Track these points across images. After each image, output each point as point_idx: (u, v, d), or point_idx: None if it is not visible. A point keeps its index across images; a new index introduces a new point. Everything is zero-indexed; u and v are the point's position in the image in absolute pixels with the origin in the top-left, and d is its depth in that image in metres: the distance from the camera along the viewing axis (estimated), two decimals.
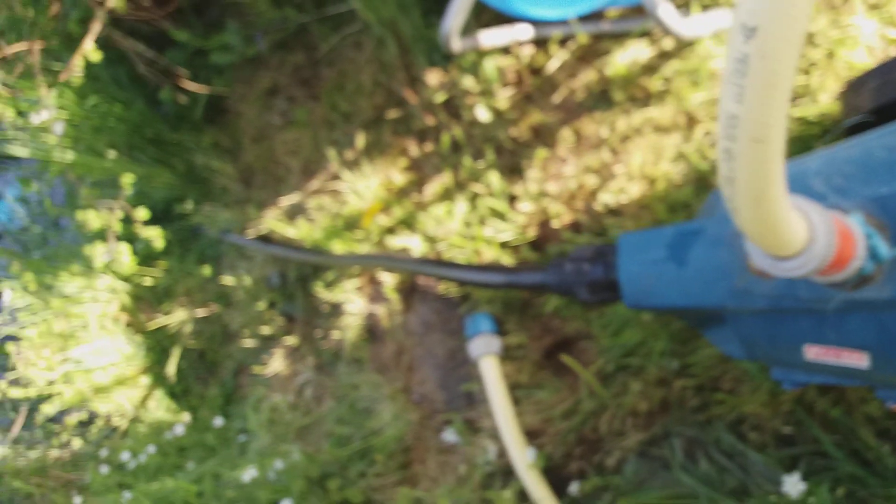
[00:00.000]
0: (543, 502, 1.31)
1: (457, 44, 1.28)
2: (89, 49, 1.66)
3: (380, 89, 1.77)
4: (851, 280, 0.67)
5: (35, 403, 3.23)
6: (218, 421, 2.37)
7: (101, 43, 2.16)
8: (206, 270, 2.43)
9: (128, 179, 1.97)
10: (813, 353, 0.81)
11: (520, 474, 1.35)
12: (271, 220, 2.07)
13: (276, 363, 2.12)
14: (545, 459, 1.37)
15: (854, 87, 0.94)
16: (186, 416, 2.61)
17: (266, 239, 2.14)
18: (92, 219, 1.96)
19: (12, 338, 2.85)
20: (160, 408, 2.77)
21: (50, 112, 2.10)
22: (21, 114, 2.24)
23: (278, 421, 2.06)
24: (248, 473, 1.63)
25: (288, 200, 2.05)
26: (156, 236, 1.98)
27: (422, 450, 1.64)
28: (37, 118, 2.14)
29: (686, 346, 1.25)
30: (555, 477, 1.38)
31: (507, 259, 1.48)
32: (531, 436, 1.42)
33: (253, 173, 2.26)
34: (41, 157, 2.33)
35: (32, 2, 2.14)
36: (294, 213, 2.04)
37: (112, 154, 2.27)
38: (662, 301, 0.92)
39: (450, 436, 1.56)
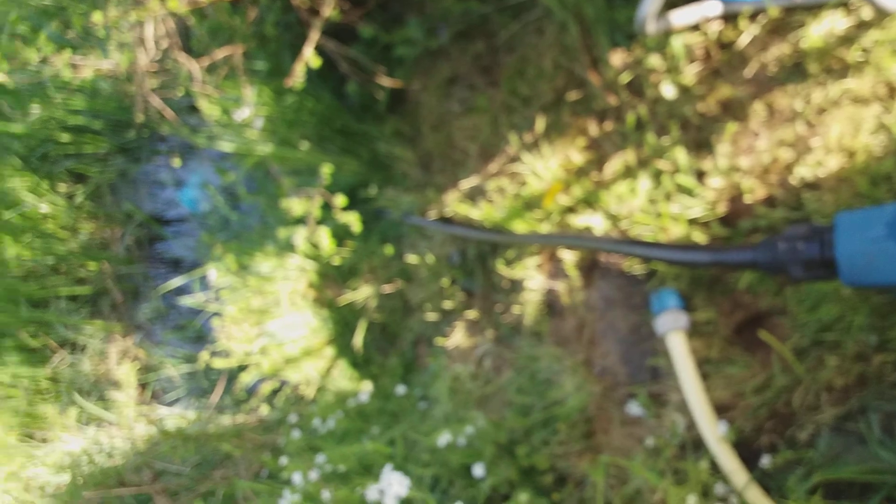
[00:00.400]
0: (735, 474, 1.33)
1: (652, 27, 1.31)
2: (309, 56, 1.85)
3: (560, 72, 1.83)
4: None
5: (231, 373, 3.64)
6: (400, 389, 2.56)
7: (299, 44, 2.39)
8: (389, 250, 2.62)
9: (327, 169, 2.17)
10: None
11: (710, 447, 1.38)
12: (452, 203, 2.20)
13: (457, 335, 2.26)
14: (736, 433, 1.39)
15: None
16: (368, 385, 2.84)
17: (446, 220, 2.28)
18: (295, 206, 2.18)
19: (217, 314, 3.22)
20: (343, 377, 3.03)
21: (250, 109, 2.37)
22: (225, 112, 2.54)
23: (459, 389, 2.20)
24: (444, 438, 1.77)
25: (467, 183, 2.17)
26: (353, 220, 2.18)
27: (604, 421, 1.70)
28: (238, 115, 2.42)
29: (886, 320, 1.22)
30: (745, 450, 1.39)
31: (697, 235, 1.50)
32: (720, 410, 1.44)
33: (432, 159, 2.41)
34: (243, 151, 2.61)
35: (232, 9, 2.41)
36: (473, 195, 2.15)
37: (305, 145, 2.51)
38: (883, 278, 0.92)
39: (634, 408, 1.60)
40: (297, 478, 1.96)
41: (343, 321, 2.97)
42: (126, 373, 4.75)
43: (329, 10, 1.80)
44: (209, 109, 2.51)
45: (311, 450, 2.61)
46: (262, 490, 2.14)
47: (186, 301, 3.41)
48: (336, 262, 2.76)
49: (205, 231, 4.34)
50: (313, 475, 2.04)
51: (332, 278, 2.95)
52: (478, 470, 1.65)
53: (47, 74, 2.20)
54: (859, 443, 1.26)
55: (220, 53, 2.30)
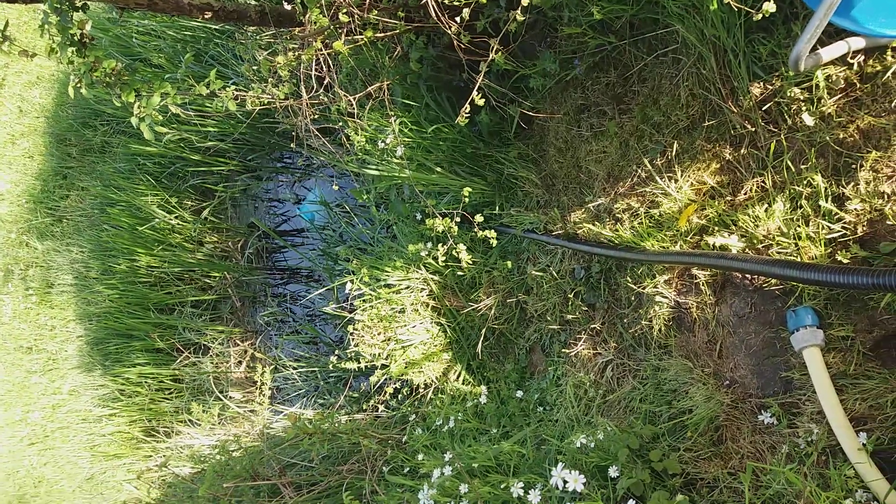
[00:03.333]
0: (875, 483, 1.40)
1: (803, 64, 1.42)
2: (476, 97, 2.03)
3: (695, 101, 1.95)
4: None
5: (350, 374, 3.88)
6: (518, 393, 2.71)
7: (433, 80, 2.60)
8: (509, 264, 2.78)
9: (466, 192, 2.37)
10: None
11: (850, 456, 1.46)
12: (577, 221, 2.34)
13: (579, 345, 2.39)
14: (874, 443, 1.46)
15: None
16: (483, 389, 3.00)
17: (569, 237, 2.42)
18: (437, 223, 2.39)
19: (350, 320, 3.45)
20: (459, 381, 3.20)
21: (393, 137, 2.58)
22: (370, 140, 2.78)
23: (582, 396, 2.33)
24: (580, 441, 1.90)
25: (593, 203, 2.31)
26: (491, 236, 2.35)
27: (734, 429, 1.79)
28: (381, 143, 2.65)
29: None
30: (884, 460, 1.46)
31: (838, 256, 1.58)
32: (857, 422, 1.51)
33: (555, 180, 2.56)
34: (386, 174, 2.85)
35: (380, 48, 2.64)
36: (599, 214, 2.29)
37: (438, 169, 2.72)
38: None
39: (767, 418, 1.69)
40: (435, 473, 2.12)
41: (461, 329, 3.15)
42: (256, 372, 5.08)
43: (495, 55, 1.98)
44: (357, 138, 2.76)
45: (434, 447, 2.79)
46: (404, 483, 2.32)
47: (326, 308, 3.68)
48: (461, 274, 2.95)
49: (324, 244, 4.64)
50: (448, 471, 2.20)
51: (451, 289, 3.14)
52: (613, 471, 1.77)
53: (216, 107, 2.49)
54: None
55: (370, 88, 2.54)
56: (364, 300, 3.16)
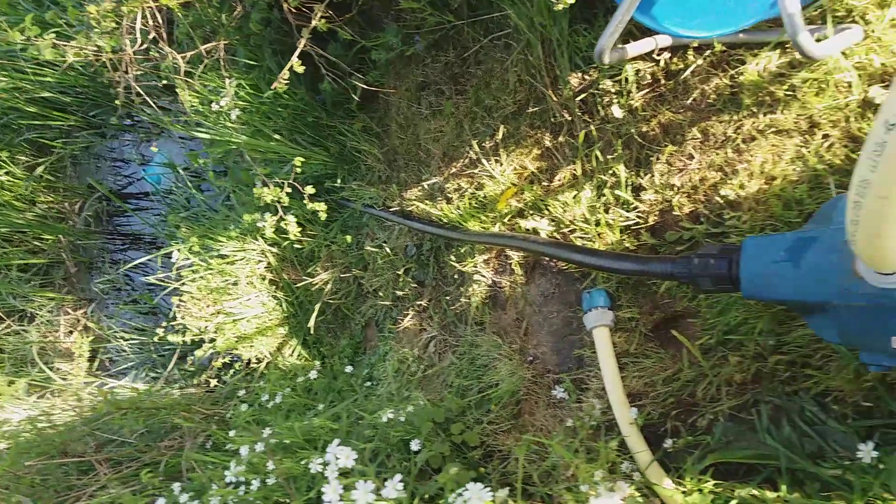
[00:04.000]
0: (640, 454, 1.50)
1: (608, 58, 1.48)
2: (295, 63, 1.97)
3: (522, 87, 2.00)
4: None
5: (184, 348, 3.71)
6: (348, 368, 2.69)
7: (281, 40, 2.51)
8: (348, 238, 2.75)
9: (298, 161, 2.30)
10: None
11: (622, 429, 1.55)
12: (413, 198, 2.35)
13: (407, 321, 2.41)
14: (644, 418, 1.56)
15: None
16: (317, 364, 2.96)
17: (405, 214, 2.43)
18: (266, 193, 2.31)
19: (176, 292, 3.29)
20: (294, 356, 3.14)
21: (228, 100, 2.47)
22: (203, 101, 2.64)
23: (404, 371, 2.35)
24: (386, 415, 1.90)
25: (429, 181, 2.32)
26: (321, 209, 2.30)
27: (532, 403, 1.86)
28: (216, 106, 2.52)
29: (783, 326, 1.41)
30: (652, 434, 1.57)
31: (628, 242, 1.68)
32: (634, 397, 1.62)
33: (396, 156, 2.56)
34: (218, 139, 2.72)
35: (219, 5, 2.51)
36: (433, 193, 2.31)
37: (277, 137, 2.63)
38: (777, 294, 1.11)
39: (560, 392, 1.77)
40: (243, 450, 2.06)
41: (297, 303, 3.08)
42: (75, 343, 4.74)
43: (317, 21, 1.93)
44: (188, 98, 2.61)
45: (258, 423, 2.71)
46: (209, 460, 2.23)
47: (148, 278, 3.48)
48: (298, 247, 2.88)
49: (169, 210, 4.38)
50: (259, 447, 2.14)
51: (290, 262, 3.07)
52: (414, 445, 1.79)
53: (30, 55, 2.27)
54: (750, 431, 1.45)
55: (204, 47, 2.41)
56: (193, 270, 3.02)
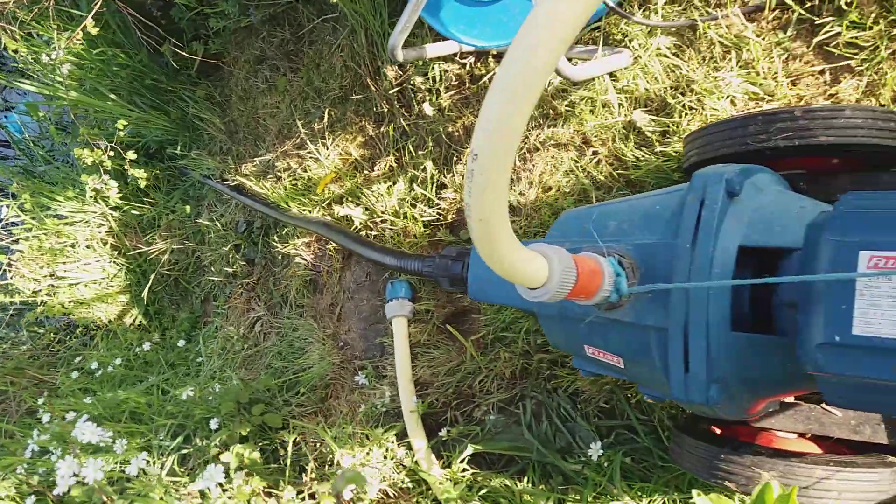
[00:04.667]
0: (416, 440, 1.58)
1: (401, 55, 1.50)
2: (90, 23, 1.88)
3: (348, 73, 2.00)
4: (602, 304, 0.92)
5: (21, 310, 3.53)
6: (181, 342, 2.65)
7: None
8: (188, 209, 2.69)
9: (121, 124, 2.22)
10: (590, 351, 1.07)
11: (404, 416, 1.63)
12: (247, 173, 2.32)
13: (236, 299, 2.40)
14: (427, 406, 1.64)
15: (691, 139, 1.18)
16: (156, 336, 2.90)
17: (238, 189, 2.39)
18: (86, 155, 2.21)
19: (6, 249, 3.11)
20: (135, 325, 3.06)
21: (59, 53, 2.33)
22: (33, 52, 2.48)
23: (229, 349, 2.34)
24: (186, 393, 1.91)
25: (262, 157, 2.30)
26: (142, 177, 2.23)
27: (338, 388, 1.91)
28: (46, 58, 2.38)
29: None
30: (433, 421, 1.65)
31: (430, 237, 1.73)
32: (422, 386, 1.69)
33: (237, 128, 2.51)
34: (47, 93, 2.57)
35: None
36: (265, 170, 2.29)
37: (112, 97, 2.52)
38: (494, 298, 1.19)
39: (361, 379, 1.83)
40: (46, 418, 2.01)
41: (140, 271, 3.00)
42: None
43: None
44: (14, 47, 2.44)
45: (84, 392, 2.65)
46: (13, 430, 2.17)
47: None
48: (135, 212, 2.79)
49: (26, 160, 4.11)
50: (70, 416, 2.10)
51: (132, 228, 2.97)
52: (213, 424, 1.81)
53: None
54: (515, 424, 1.55)
55: None
56: (26, 229, 2.87)
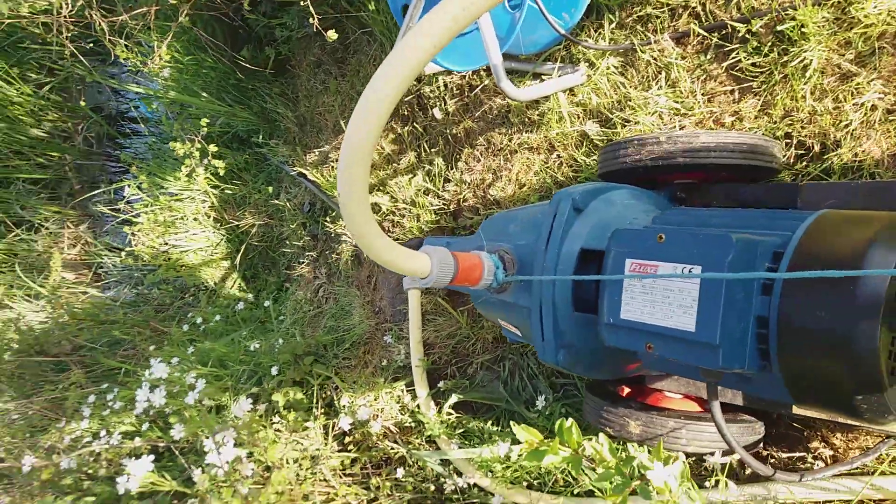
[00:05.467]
0: (420, 389, 1.96)
1: None
2: (184, 20, 2.33)
3: None
4: (490, 288, 1.24)
5: (144, 273, 4.22)
6: (267, 303, 3.17)
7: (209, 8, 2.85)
8: (270, 189, 3.17)
9: (204, 122, 2.70)
10: (503, 323, 1.39)
11: (413, 369, 2.00)
12: (310, 162, 2.74)
13: (303, 268, 2.85)
14: (430, 363, 2.01)
15: (600, 153, 1.44)
16: (251, 296, 3.44)
17: (303, 175, 2.82)
18: (178, 147, 2.71)
19: (129, 222, 3.75)
20: (234, 287, 3.63)
21: (159, 60, 2.84)
22: (140, 59, 3.01)
23: (298, 310, 2.81)
24: (254, 345, 2.38)
25: (320, 149, 2.71)
26: (221, 166, 2.71)
27: (373, 345, 2.32)
28: (150, 64, 2.90)
29: None
30: (436, 375, 2.02)
31: (433, 223, 2.08)
32: (428, 346, 2.06)
33: (305, 121, 2.93)
34: (150, 94, 3.11)
35: None
36: (323, 159, 2.70)
37: (204, 94, 3.01)
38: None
39: (389, 339, 2.22)
40: (153, 362, 2.57)
41: (238, 241, 3.54)
42: (78, 256, 5.24)
43: None
44: (124, 55, 2.98)
45: (190, 342, 3.24)
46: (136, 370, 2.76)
47: (101, 208, 3.93)
48: (230, 192, 3.31)
49: (154, 139, 4.80)
50: (174, 361, 2.65)
51: (230, 205, 3.50)
52: (274, 370, 2.27)
53: None
54: (497, 379, 1.89)
55: (139, 10, 2.77)
56: (144, 204, 3.47)
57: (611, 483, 0.95)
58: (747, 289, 0.90)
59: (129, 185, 3.46)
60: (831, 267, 0.84)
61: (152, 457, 1.60)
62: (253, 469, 1.56)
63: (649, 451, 1.00)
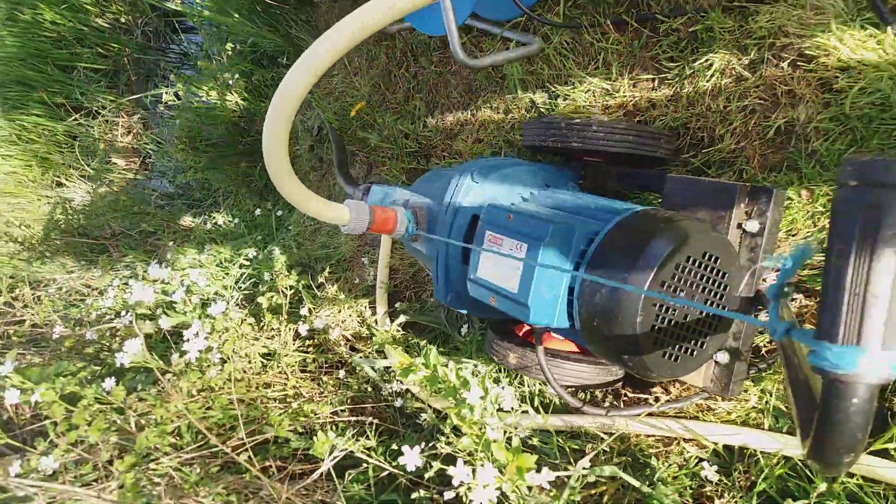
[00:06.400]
0: (380, 307, 2.27)
1: (462, 56, 2.03)
2: None
3: None
4: (406, 237, 1.51)
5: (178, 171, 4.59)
6: (279, 213, 3.50)
7: None
8: None
9: (229, 46, 2.95)
10: (422, 263, 1.66)
11: (377, 290, 2.31)
12: (317, 90, 2.99)
13: (311, 186, 3.15)
14: (391, 286, 2.31)
15: (524, 125, 1.66)
16: (269, 205, 3.78)
17: (309, 103, 3.07)
18: (205, 66, 2.99)
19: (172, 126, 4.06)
20: (254, 192, 3.97)
21: None
22: None
23: (303, 223, 3.13)
24: (251, 252, 2.72)
25: (328, 78, 2.94)
26: (239, 96, 2.98)
27: (353, 264, 2.62)
28: None
29: None
30: (397, 298, 2.32)
31: (411, 164, 2.32)
32: (393, 271, 2.35)
33: None
34: (187, 12, 3.36)
35: None
36: (332, 90, 2.93)
37: (235, 15, 3.25)
38: None
39: (365, 261, 2.52)
40: (169, 255, 2.94)
41: (259, 153, 3.84)
42: (131, 143, 5.64)
43: None
44: None
45: (211, 240, 3.62)
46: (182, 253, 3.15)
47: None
48: (252, 108, 3.59)
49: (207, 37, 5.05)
50: (189, 258, 3.02)
51: (258, 119, 3.79)
52: (266, 276, 2.61)
53: None
54: (441, 307, 2.18)
55: None
56: (178, 109, 3.80)
57: (450, 399, 1.24)
58: (560, 263, 1.14)
59: (165, 92, 3.77)
60: (623, 253, 1.08)
61: (141, 339, 1.96)
62: (220, 358, 1.91)
63: (480, 379, 1.28)
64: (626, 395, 1.60)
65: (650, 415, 1.45)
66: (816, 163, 1.34)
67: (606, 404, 1.63)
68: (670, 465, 1.40)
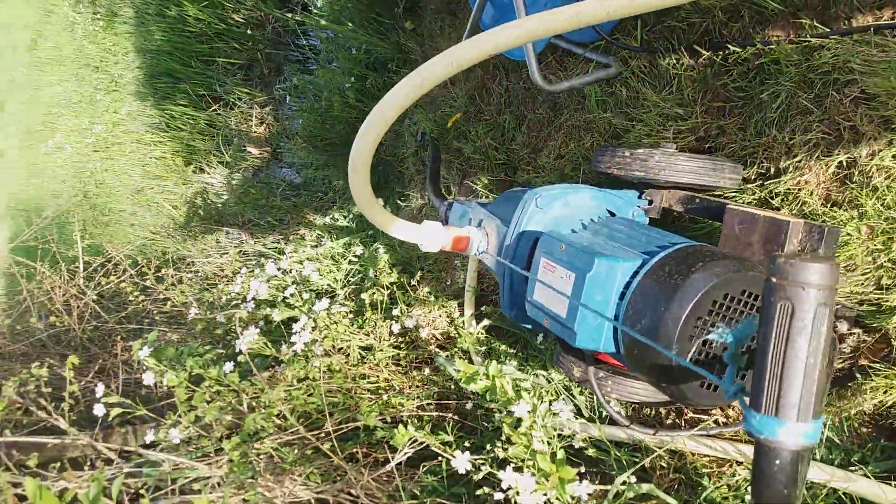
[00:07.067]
0: (467, 309, 2.44)
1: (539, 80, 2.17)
2: None
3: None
4: (478, 254, 1.67)
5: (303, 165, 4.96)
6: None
7: None
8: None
9: (344, 54, 3.20)
10: None
11: (465, 293, 2.47)
12: (425, 100, 3.18)
13: (413, 190, 3.36)
14: (479, 290, 2.47)
15: (597, 152, 1.75)
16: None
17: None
18: (323, 74, 3.26)
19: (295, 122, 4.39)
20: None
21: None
22: None
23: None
24: (360, 249, 2.96)
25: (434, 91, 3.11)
26: (351, 95, 3.23)
27: (448, 266, 2.81)
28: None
29: None
30: (484, 301, 2.48)
31: (500, 174, 2.47)
32: (481, 276, 2.51)
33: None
34: (307, 21, 3.65)
35: None
36: (435, 97, 3.11)
37: (350, 24, 3.50)
38: None
39: (458, 263, 2.70)
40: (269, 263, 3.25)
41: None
42: (263, 133, 6.10)
43: None
44: None
45: (328, 233, 3.93)
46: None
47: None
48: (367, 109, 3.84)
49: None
50: (306, 251, 3.33)
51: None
52: (371, 273, 2.84)
53: None
54: None
55: None
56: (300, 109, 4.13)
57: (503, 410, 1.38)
58: (605, 294, 1.25)
59: (288, 96, 4.11)
60: (663, 288, 1.18)
61: (257, 329, 2.24)
62: (323, 350, 2.16)
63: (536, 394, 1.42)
64: (687, 414, 1.68)
65: (708, 436, 1.52)
66: (877, 200, 1.36)
67: (669, 422, 1.71)
68: (720, 486, 1.48)
